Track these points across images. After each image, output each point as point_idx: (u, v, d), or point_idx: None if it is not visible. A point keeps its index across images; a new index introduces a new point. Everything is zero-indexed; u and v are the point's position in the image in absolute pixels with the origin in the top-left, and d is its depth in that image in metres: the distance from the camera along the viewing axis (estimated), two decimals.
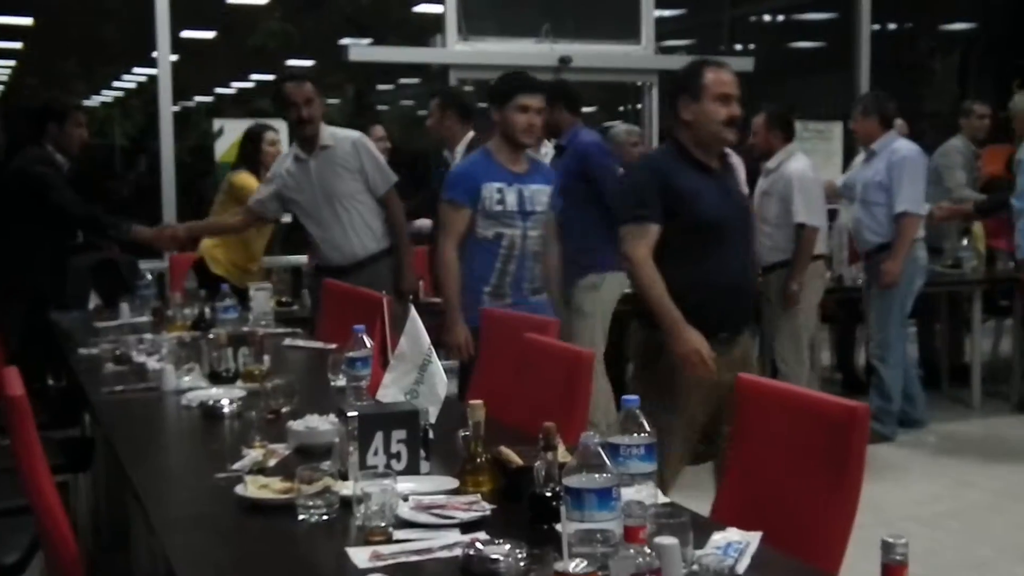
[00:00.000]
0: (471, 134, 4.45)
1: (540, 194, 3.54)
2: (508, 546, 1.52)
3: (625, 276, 4.86)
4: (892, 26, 8.38)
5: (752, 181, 5.10)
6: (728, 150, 4.81)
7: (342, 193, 4.15)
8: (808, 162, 4.91)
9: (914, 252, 4.90)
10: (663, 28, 6.97)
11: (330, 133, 4.20)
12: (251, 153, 4.80)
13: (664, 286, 2.81)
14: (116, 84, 7.79)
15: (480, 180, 3.45)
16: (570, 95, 4.69)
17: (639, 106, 6.99)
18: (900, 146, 4.90)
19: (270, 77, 7.84)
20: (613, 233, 4.60)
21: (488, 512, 1.76)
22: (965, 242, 5.77)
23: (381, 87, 8.30)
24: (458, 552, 1.57)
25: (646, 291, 2.84)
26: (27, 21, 6.90)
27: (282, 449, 2.18)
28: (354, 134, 4.28)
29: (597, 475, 1.49)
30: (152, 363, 3.11)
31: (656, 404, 2.42)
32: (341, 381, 2.63)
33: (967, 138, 5.91)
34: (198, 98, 7.38)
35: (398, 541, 1.66)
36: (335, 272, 4.13)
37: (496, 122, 3.48)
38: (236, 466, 2.08)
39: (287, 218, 4.75)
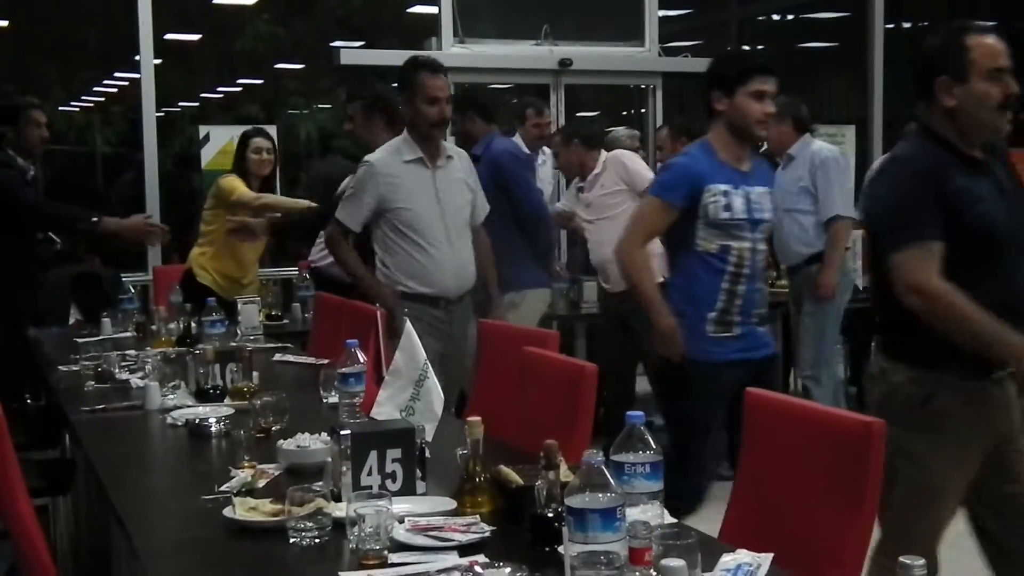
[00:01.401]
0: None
1: (765, 198, 3.00)
2: (508, 569, 1.50)
3: (547, 293, 4.64)
4: (906, 24, 8.34)
5: None
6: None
7: (465, 214, 3.70)
8: None
9: (844, 263, 4.71)
10: (667, 29, 6.92)
11: (446, 144, 3.79)
12: (239, 158, 4.74)
13: (981, 308, 2.22)
14: (97, 89, 7.72)
15: (704, 180, 2.88)
16: (482, 103, 4.54)
17: (643, 110, 6.95)
18: (820, 148, 4.69)
19: (258, 81, 7.80)
20: (532, 248, 4.41)
21: (487, 534, 1.73)
22: None
23: None
24: (456, 575, 1.53)
25: (966, 322, 2.23)
26: (1, 23, 6.81)
27: (272, 469, 2.14)
28: (459, 149, 3.90)
29: (601, 495, 1.46)
30: (135, 380, 3.08)
31: (921, 457, 2.21)
32: (334, 398, 2.61)
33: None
34: (183, 103, 7.32)
35: (393, 565, 1.63)
36: (429, 301, 3.58)
37: (720, 112, 2.94)
38: (224, 487, 2.03)
39: None
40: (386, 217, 3.57)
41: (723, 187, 2.89)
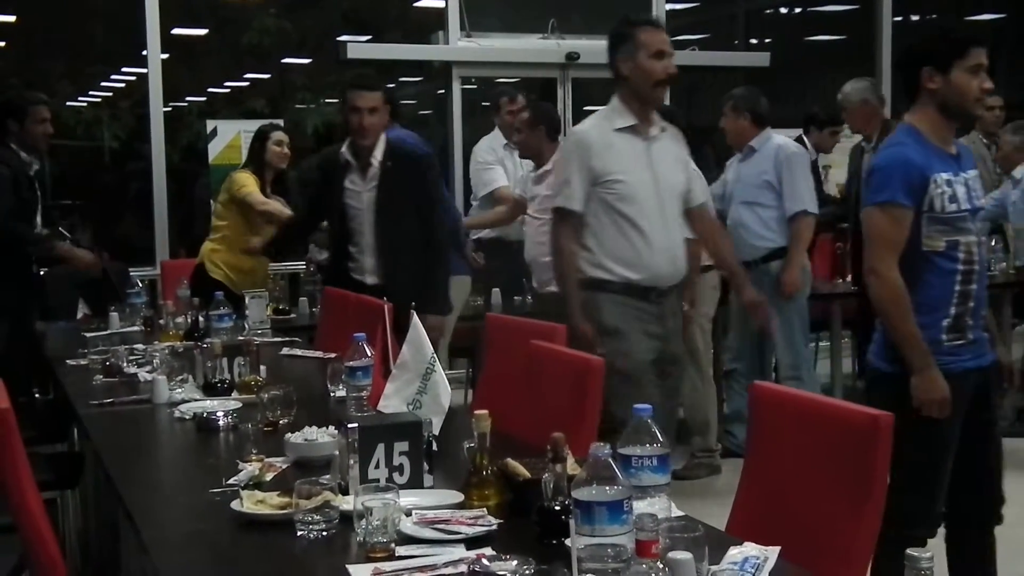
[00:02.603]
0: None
1: (978, 182, 2.68)
2: (515, 562, 1.49)
3: (467, 280, 4.50)
4: (915, 18, 8.30)
5: None
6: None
7: (679, 193, 3.35)
8: None
9: (803, 259, 4.58)
10: (674, 22, 6.90)
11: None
12: (257, 152, 4.76)
13: None
14: (104, 84, 7.73)
15: (926, 170, 2.54)
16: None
17: None
18: (785, 143, 4.63)
19: (265, 76, 7.79)
20: (451, 235, 4.18)
21: (494, 527, 1.73)
22: (994, 242, 5.48)
23: None
24: (463, 568, 1.54)
25: None
26: (9, 18, 6.82)
27: (280, 463, 2.14)
28: (669, 123, 3.49)
29: (608, 487, 1.46)
30: (143, 374, 3.08)
31: None
32: (341, 392, 2.60)
33: (980, 132, 5.78)
34: (190, 98, 7.33)
35: (401, 558, 1.63)
36: (639, 293, 3.22)
37: (933, 91, 2.60)
38: (232, 481, 2.03)
39: None
40: (596, 191, 3.18)
41: (945, 176, 2.56)
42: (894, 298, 2.54)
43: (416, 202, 3.85)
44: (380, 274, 3.86)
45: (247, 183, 4.61)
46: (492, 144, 5.20)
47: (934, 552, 1.30)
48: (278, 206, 4.62)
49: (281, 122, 5.31)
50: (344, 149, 3.88)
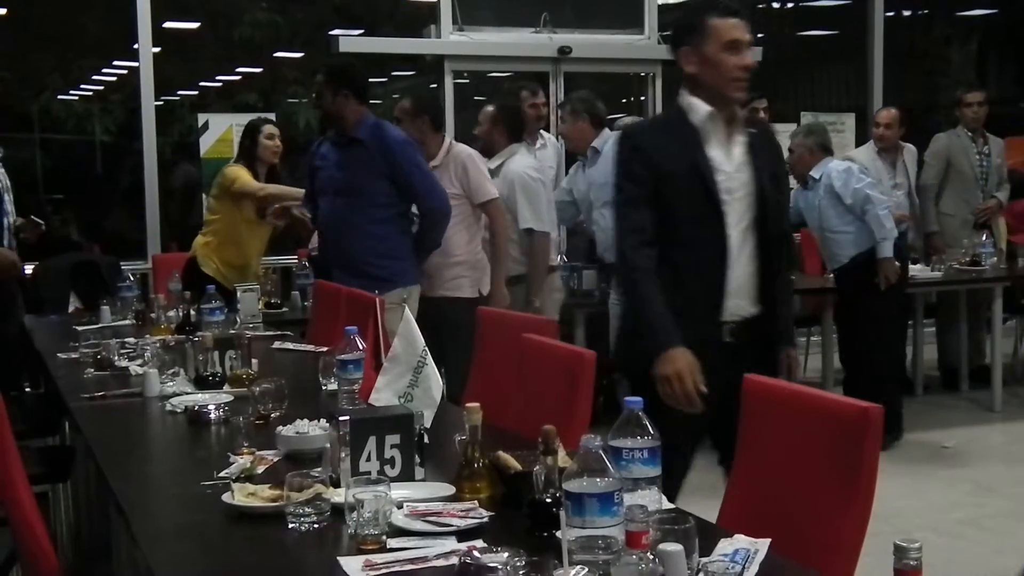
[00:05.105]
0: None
1: None
2: (506, 554, 1.48)
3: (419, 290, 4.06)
4: (906, 13, 8.32)
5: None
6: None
7: None
8: (531, 162, 4.44)
9: None
10: (667, 17, 6.89)
11: None
12: (247, 148, 4.73)
13: None
14: (96, 78, 7.71)
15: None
16: (356, 81, 3.99)
17: (643, 98, 6.93)
18: None
19: (256, 70, 7.78)
20: (423, 242, 3.94)
21: (486, 519, 1.73)
22: (985, 237, 5.58)
23: (373, 80, 8.23)
24: (455, 561, 1.54)
25: None
26: None
27: (271, 455, 2.14)
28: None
29: (598, 479, 1.47)
30: (135, 368, 3.08)
31: None
32: (333, 385, 2.61)
33: (966, 129, 5.83)
34: (181, 92, 7.31)
35: (392, 550, 1.63)
36: None
37: None
38: (223, 473, 2.03)
39: None
40: None
41: None
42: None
43: (778, 191, 2.70)
44: (757, 299, 2.58)
45: (238, 176, 4.58)
46: None
47: None
48: (282, 188, 4.59)
49: (272, 116, 5.30)
50: (695, 107, 2.55)
